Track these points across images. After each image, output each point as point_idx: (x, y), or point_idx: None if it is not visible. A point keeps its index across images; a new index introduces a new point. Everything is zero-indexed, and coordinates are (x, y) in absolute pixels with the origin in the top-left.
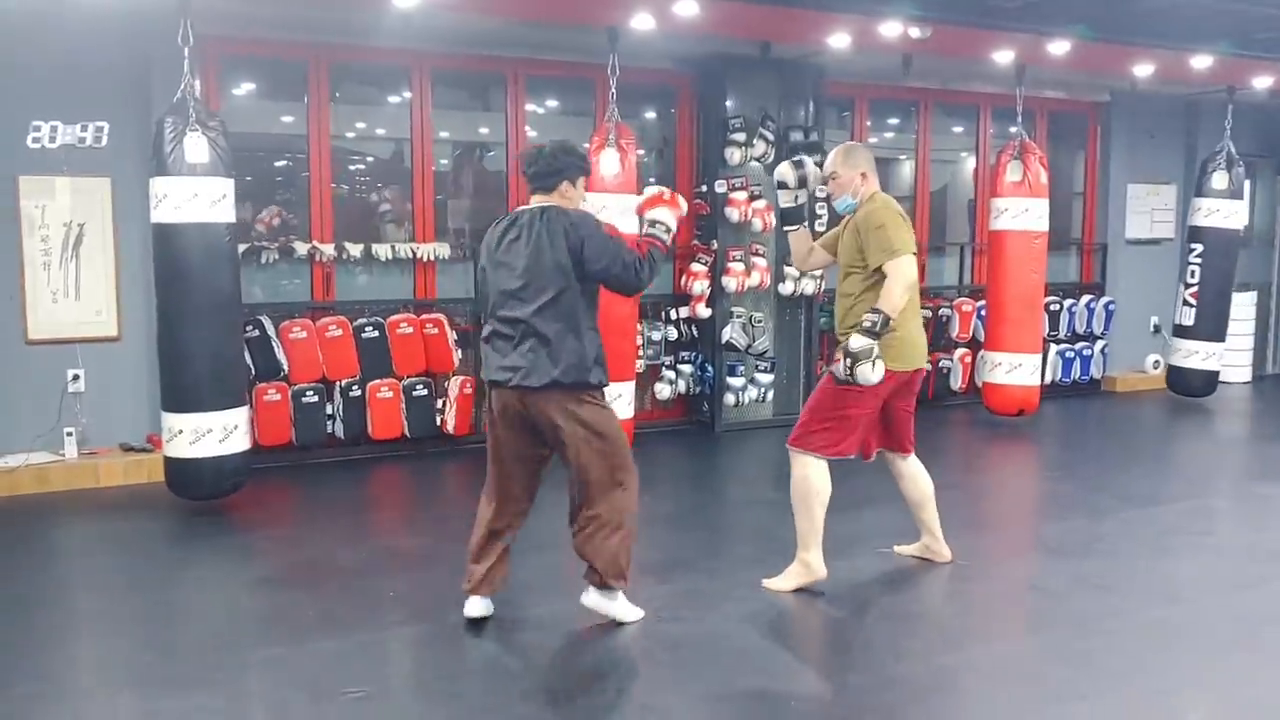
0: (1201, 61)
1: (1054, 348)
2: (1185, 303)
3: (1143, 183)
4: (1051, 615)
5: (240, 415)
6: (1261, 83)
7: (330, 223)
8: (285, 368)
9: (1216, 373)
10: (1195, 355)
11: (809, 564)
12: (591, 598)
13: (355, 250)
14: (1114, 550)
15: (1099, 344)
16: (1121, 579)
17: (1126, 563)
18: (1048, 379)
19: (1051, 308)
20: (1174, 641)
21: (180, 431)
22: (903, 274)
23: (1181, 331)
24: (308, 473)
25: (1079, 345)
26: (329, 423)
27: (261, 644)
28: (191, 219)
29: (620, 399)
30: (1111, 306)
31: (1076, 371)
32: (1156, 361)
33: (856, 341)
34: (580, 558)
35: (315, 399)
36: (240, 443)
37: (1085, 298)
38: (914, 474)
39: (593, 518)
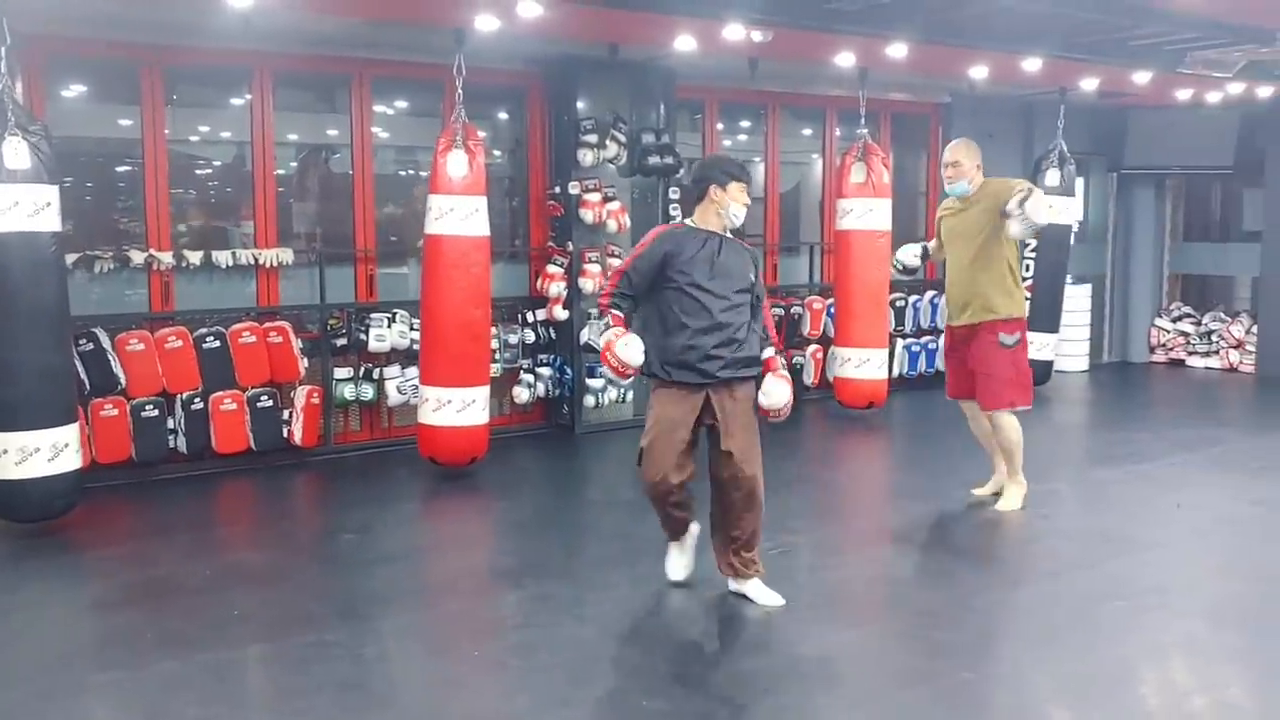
0: (1032, 64)
1: (900, 342)
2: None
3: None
4: (898, 602)
5: (71, 433)
6: (1089, 84)
7: (168, 230)
8: (123, 381)
9: (1050, 362)
10: (1030, 346)
11: (1022, 482)
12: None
13: (195, 258)
14: (958, 537)
15: (943, 338)
16: (965, 565)
17: (970, 549)
18: (895, 373)
19: (897, 304)
20: (1016, 623)
21: (5, 451)
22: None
23: None
24: (149, 490)
25: (924, 339)
26: (171, 437)
27: (98, 668)
28: (13, 228)
29: (474, 404)
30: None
31: (923, 365)
32: None
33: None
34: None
35: (155, 413)
36: (71, 461)
37: (929, 293)
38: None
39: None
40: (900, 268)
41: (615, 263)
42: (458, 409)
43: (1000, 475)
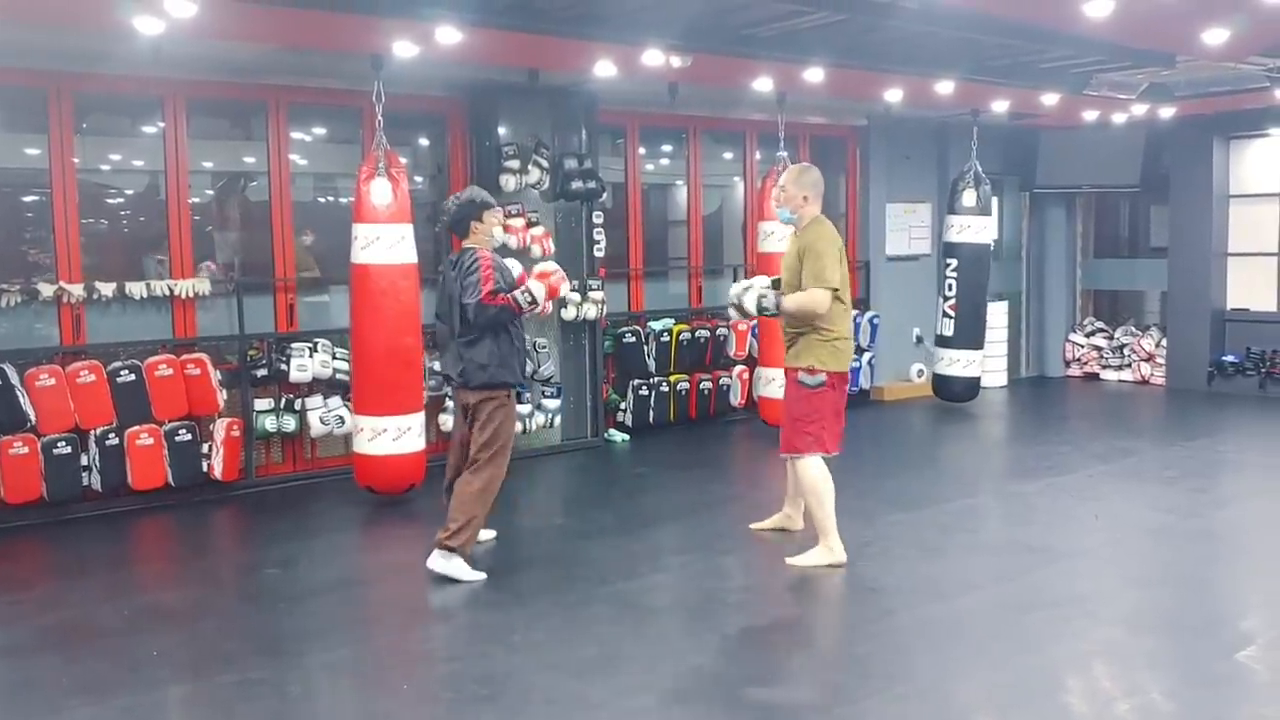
0: (945, 86)
1: None
2: (945, 314)
3: (900, 202)
4: (825, 620)
5: None
6: (1000, 106)
7: (79, 261)
8: (32, 418)
9: (978, 378)
10: (957, 363)
11: (831, 548)
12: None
13: (107, 289)
14: (884, 553)
15: (866, 356)
16: (891, 580)
17: (896, 564)
18: None
19: None
20: (942, 637)
21: None
22: (817, 300)
23: (943, 341)
24: (63, 529)
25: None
26: (84, 474)
27: (9, 718)
28: None
29: (410, 431)
30: (876, 320)
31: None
32: (920, 370)
33: (752, 298)
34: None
35: (68, 450)
36: None
37: (851, 313)
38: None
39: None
40: (737, 307)
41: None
42: (393, 437)
43: (788, 511)
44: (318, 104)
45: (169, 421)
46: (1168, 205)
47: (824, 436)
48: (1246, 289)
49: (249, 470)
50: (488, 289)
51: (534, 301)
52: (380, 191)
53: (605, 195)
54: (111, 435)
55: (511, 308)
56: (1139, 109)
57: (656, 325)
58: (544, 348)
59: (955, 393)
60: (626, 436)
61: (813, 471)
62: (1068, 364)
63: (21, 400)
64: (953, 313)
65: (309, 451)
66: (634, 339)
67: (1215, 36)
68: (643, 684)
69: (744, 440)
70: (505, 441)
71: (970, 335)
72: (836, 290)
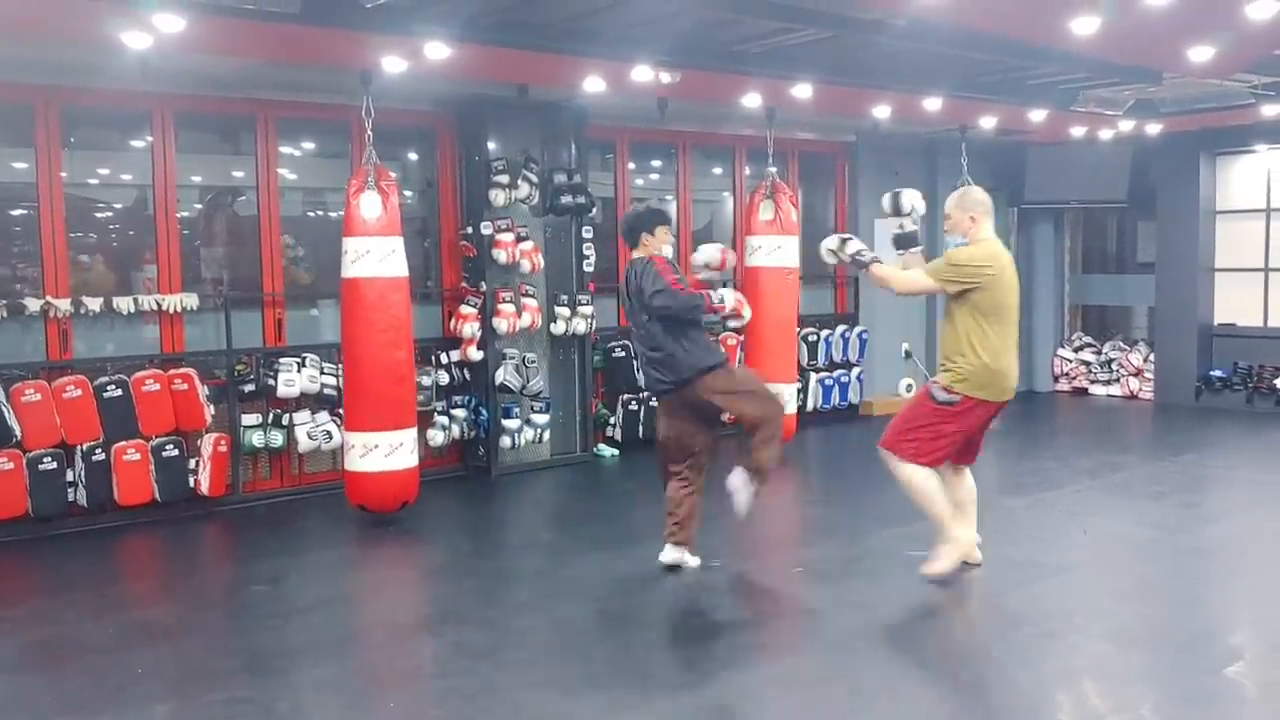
0: (933, 103)
1: (814, 376)
2: None
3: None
4: (816, 636)
5: None
6: (988, 122)
7: (66, 276)
8: (18, 433)
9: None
10: None
11: (956, 541)
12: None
13: (94, 304)
14: (873, 569)
15: (855, 371)
16: (881, 597)
17: (885, 580)
18: (810, 405)
19: (810, 338)
20: (931, 652)
21: None
22: (912, 279)
23: None
24: (48, 546)
25: (837, 373)
26: (70, 490)
27: None
28: None
29: (402, 447)
30: (865, 335)
31: (836, 397)
32: (909, 385)
33: (853, 246)
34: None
35: (54, 465)
36: None
37: (840, 328)
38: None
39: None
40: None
41: (531, 302)
42: (385, 453)
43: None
44: (306, 118)
45: (156, 437)
46: (1155, 221)
47: (922, 450)
48: (1234, 304)
49: (236, 486)
50: (672, 278)
51: (723, 302)
52: (370, 205)
53: (595, 210)
54: (98, 451)
55: (705, 301)
56: (1126, 125)
57: None
58: (532, 362)
59: None
60: (616, 452)
61: (912, 477)
62: (1056, 379)
63: (7, 416)
64: None
65: (296, 467)
66: (624, 354)
67: (1201, 54)
68: (631, 702)
69: (734, 456)
70: (750, 380)
71: None
72: (950, 288)
